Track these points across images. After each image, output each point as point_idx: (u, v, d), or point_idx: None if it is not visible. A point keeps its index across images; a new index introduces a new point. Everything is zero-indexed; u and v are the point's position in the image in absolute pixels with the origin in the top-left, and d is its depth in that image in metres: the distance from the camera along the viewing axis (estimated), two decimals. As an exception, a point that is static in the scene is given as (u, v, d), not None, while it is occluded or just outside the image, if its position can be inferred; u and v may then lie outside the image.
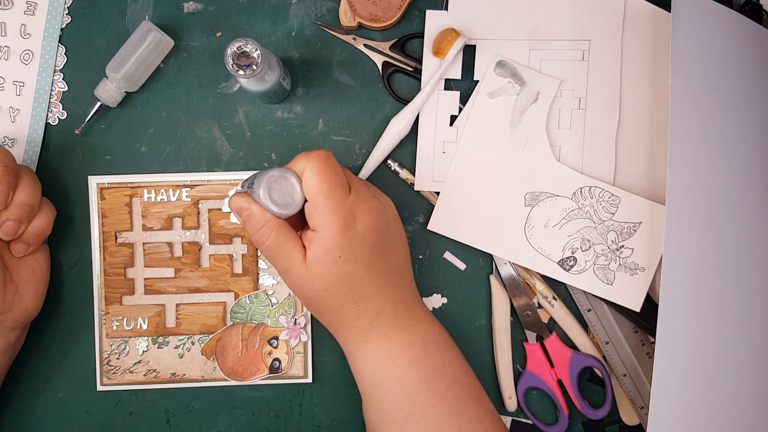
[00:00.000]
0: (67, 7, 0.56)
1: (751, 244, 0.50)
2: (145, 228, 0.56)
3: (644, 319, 0.54)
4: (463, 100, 0.55)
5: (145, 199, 0.56)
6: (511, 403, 0.56)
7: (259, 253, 0.56)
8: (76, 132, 0.55)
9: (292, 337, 0.56)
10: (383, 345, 0.47)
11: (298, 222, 0.48)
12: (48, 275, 0.54)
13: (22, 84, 0.56)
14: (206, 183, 0.56)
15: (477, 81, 0.55)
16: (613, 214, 0.54)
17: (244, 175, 0.56)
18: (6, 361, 0.52)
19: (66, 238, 0.56)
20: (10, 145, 0.56)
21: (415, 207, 0.56)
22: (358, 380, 0.49)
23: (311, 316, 0.56)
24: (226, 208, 0.56)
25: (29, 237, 0.51)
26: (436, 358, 0.47)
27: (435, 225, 0.55)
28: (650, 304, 0.54)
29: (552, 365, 0.56)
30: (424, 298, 0.57)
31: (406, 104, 0.55)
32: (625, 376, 0.55)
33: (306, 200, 0.45)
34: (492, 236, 0.55)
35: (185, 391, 0.57)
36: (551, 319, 0.56)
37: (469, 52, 0.55)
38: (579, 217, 0.54)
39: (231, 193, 0.55)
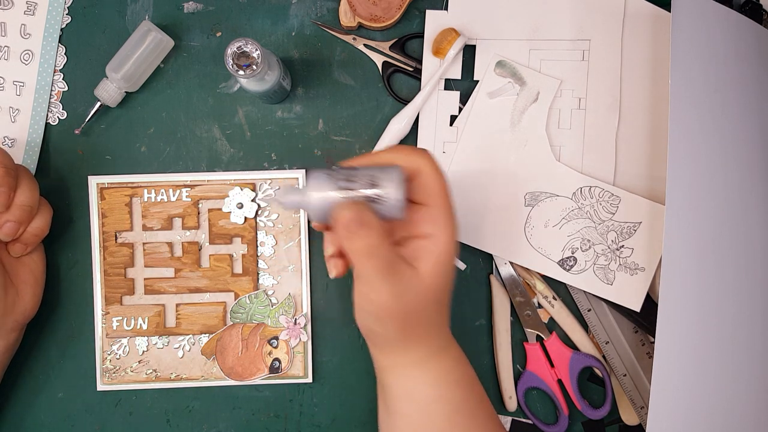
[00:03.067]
0: (67, 7, 0.56)
1: (750, 243, 0.50)
2: (145, 228, 0.56)
3: (644, 319, 0.54)
4: (463, 100, 0.55)
5: (145, 199, 0.56)
6: (511, 403, 0.56)
7: (259, 253, 0.56)
8: (76, 132, 0.55)
9: (292, 337, 0.56)
10: (442, 361, 0.44)
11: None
12: (44, 275, 0.54)
13: (22, 84, 0.56)
14: (206, 183, 0.56)
15: (477, 81, 0.55)
16: (613, 214, 0.54)
17: (244, 175, 0.56)
18: (5, 361, 0.52)
19: (66, 238, 0.56)
20: (10, 145, 0.56)
21: (415, 207, 0.56)
22: (404, 403, 0.44)
23: (311, 316, 0.56)
24: (226, 208, 0.55)
25: (28, 237, 0.51)
26: (471, 377, 0.46)
27: (435, 225, 0.55)
28: (650, 304, 0.54)
29: (552, 365, 0.56)
30: (424, 298, 0.57)
31: (406, 104, 0.55)
32: (625, 375, 0.55)
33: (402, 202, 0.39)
34: (492, 236, 0.55)
35: (185, 391, 0.57)
36: (551, 319, 0.56)
37: (469, 52, 0.55)
38: (579, 217, 0.54)
39: (318, 194, 0.39)
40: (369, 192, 0.38)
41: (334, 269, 0.44)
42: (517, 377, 0.56)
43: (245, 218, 0.55)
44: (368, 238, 0.38)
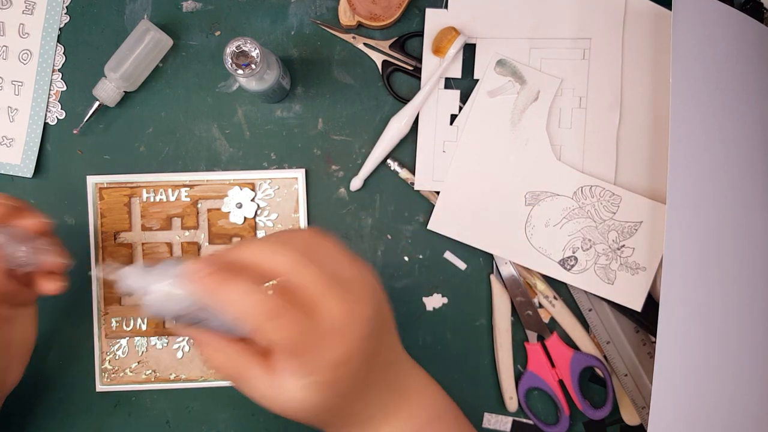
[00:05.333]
0: (66, 7, 0.56)
1: (752, 243, 0.50)
2: (144, 228, 0.56)
3: (645, 319, 0.54)
4: (463, 99, 0.55)
5: (144, 199, 0.55)
6: (512, 404, 0.56)
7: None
8: (75, 132, 0.55)
9: (291, 338, 0.55)
10: (399, 417, 0.40)
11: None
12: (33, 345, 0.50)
13: (20, 83, 0.56)
14: (205, 183, 0.56)
15: (477, 80, 0.55)
16: (614, 213, 0.54)
17: (244, 174, 0.55)
18: None
19: (65, 239, 0.56)
20: (8, 145, 0.55)
21: (415, 207, 0.56)
22: None
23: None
24: (225, 208, 0.55)
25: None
26: (438, 412, 0.42)
27: (435, 225, 0.55)
28: (651, 303, 0.54)
29: (553, 365, 0.55)
30: (424, 298, 0.56)
31: (406, 103, 0.55)
32: (626, 375, 0.55)
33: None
34: (492, 236, 0.54)
35: (184, 392, 0.56)
36: (552, 318, 0.56)
37: (469, 51, 0.55)
38: (580, 217, 0.54)
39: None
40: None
41: None
42: (518, 377, 0.56)
43: (245, 218, 0.55)
44: (206, 354, 0.36)
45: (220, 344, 0.35)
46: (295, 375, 0.34)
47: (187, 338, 0.56)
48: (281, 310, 0.33)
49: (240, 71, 0.47)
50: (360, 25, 0.56)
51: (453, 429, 0.42)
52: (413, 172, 0.55)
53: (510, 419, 0.56)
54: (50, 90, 0.56)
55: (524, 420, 0.56)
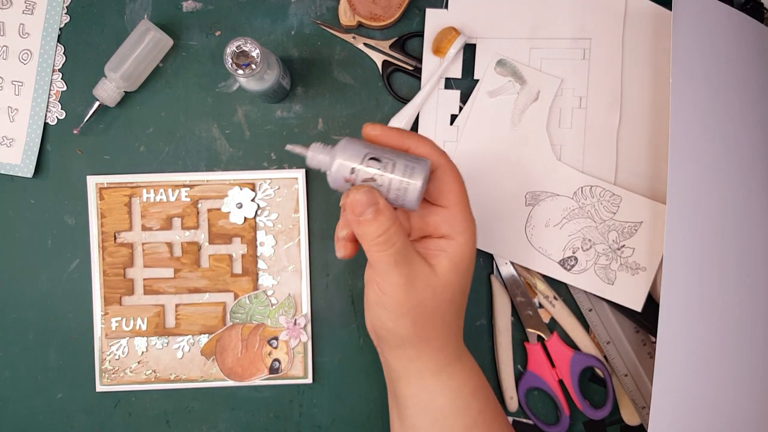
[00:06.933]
0: (66, 7, 0.56)
1: (752, 243, 0.50)
2: (144, 228, 0.56)
3: (645, 319, 0.54)
4: (464, 99, 0.55)
5: (144, 199, 0.55)
6: (512, 403, 0.56)
7: (258, 253, 0.55)
8: (75, 132, 0.55)
9: (291, 338, 0.55)
10: (457, 371, 0.43)
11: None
12: None
13: (20, 83, 0.56)
14: (205, 183, 0.56)
15: (477, 80, 0.55)
16: (614, 213, 0.54)
17: (244, 174, 0.55)
18: None
19: (65, 239, 0.56)
20: (8, 144, 0.55)
21: (415, 206, 0.56)
22: (415, 413, 0.43)
23: (311, 316, 0.56)
24: (226, 208, 0.55)
25: None
26: (485, 387, 0.45)
27: (435, 225, 0.55)
28: (651, 303, 0.54)
29: (553, 365, 0.56)
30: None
31: (406, 103, 0.55)
32: (626, 376, 0.55)
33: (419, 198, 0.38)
34: (493, 236, 0.54)
35: (185, 392, 0.56)
36: (552, 319, 0.56)
37: (469, 51, 0.55)
38: (580, 217, 0.54)
39: (343, 175, 0.38)
40: (396, 177, 0.37)
41: (342, 249, 0.42)
42: (518, 377, 0.56)
43: (245, 218, 0.55)
44: (381, 225, 0.37)
45: (394, 216, 0.38)
46: (444, 255, 0.40)
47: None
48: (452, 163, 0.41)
49: (240, 71, 0.47)
50: (360, 25, 0.56)
51: (492, 404, 0.45)
52: (413, 172, 0.55)
53: (510, 419, 0.56)
54: (50, 90, 0.56)
55: (524, 420, 0.56)
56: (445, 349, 0.42)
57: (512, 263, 0.55)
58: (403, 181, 0.37)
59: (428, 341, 0.41)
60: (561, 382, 0.55)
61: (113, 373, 0.56)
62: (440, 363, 0.42)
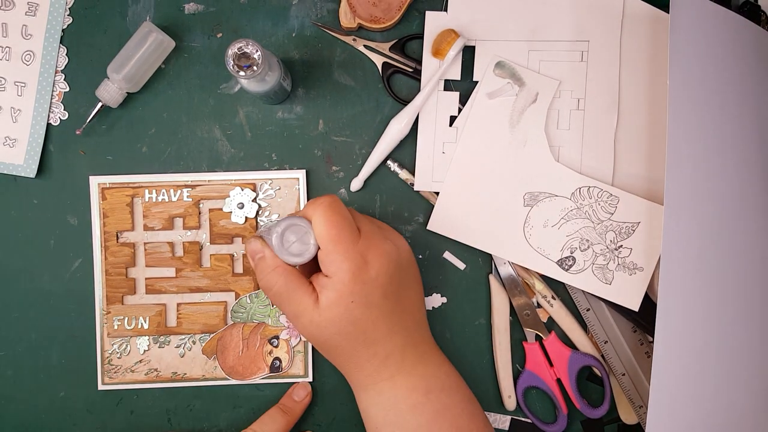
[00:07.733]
0: (68, 8, 0.56)
1: (749, 243, 0.50)
2: (146, 228, 0.56)
3: (643, 319, 0.55)
4: (463, 101, 0.55)
5: (147, 199, 0.56)
6: (510, 402, 0.56)
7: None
8: (78, 132, 0.55)
9: (292, 337, 0.56)
10: (388, 388, 0.47)
11: (312, 268, 0.47)
12: None
13: (23, 84, 0.56)
14: (207, 183, 0.56)
15: (476, 82, 0.55)
16: (612, 214, 0.54)
17: (245, 175, 0.56)
18: None
19: (67, 238, 0.57)
20: (11, 145, 0.56)
21: (414, 207, 0.57)
22: (364, 420, 0.50)
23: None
24: (227, 208, 0.56)
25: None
26: (438, 404, 0.47)
27: (434, 225, 0.55)
28: (649, 303, 0.54)
29: (551, 364, 0.56)
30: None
31: (405, 105, 0.55)
32: (623, 375, 0.55)
33: (319, 247, 0.45)
34: (491, 236, 0.55)
35: (186, 391, 0.57)
36: (550, 318, 0.56)
37: (468, 53, 0.56)
38: (578, 217, 0.54)
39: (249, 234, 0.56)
40: (279, 231, 0.46)
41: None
42: (516, 376, 0.56)
43: (246, 218, 0.56)
44: (262, 270, 0.46)
45: (276, 262, 0.46)
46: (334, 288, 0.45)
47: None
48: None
49: (241, 73, 0.48)
50: (360, 27, 0.56)
51: (463, 404, 0.48)
52: (413, 173, 0.56)
53: (508, 418, 0.57)
54: (53, 91, 0.56)
55: (522, 419, 0.57)
56: (362, 371, 0.47)
57: (511, 263, 0.56)
58: (270, 240, 0.46)
59: (341, 365, 0.49)
60: (559, 381, 0.56)
61: (115, 372, 0.56)
62: (370, 380, 0.47)
